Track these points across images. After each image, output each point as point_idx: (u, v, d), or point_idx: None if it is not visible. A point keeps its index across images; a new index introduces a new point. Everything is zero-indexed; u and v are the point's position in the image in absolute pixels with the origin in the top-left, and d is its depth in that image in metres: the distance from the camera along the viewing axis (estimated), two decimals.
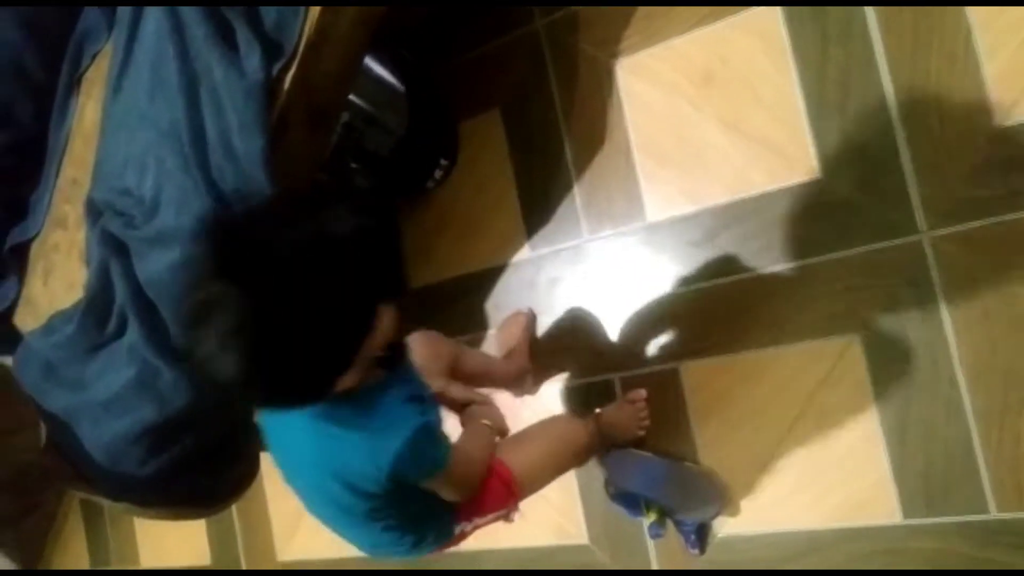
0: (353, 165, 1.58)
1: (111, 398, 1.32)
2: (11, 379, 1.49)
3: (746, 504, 1.40)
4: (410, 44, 1.66)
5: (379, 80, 1.60)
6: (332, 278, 0.83)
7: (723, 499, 1.41)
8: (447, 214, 1.69)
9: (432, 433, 1.04)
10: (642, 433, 1.48)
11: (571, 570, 1.60)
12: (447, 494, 1.14)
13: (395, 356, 0.99)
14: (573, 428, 1.39)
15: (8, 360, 1.53)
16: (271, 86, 1.18)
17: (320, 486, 1.06)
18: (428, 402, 1.07)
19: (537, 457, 1.29)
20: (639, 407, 1.48)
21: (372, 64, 1.58)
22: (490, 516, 1.23)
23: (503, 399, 1.49)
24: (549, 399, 1.59)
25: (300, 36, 1.18)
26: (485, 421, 1.26)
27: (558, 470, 1.34)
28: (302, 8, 1.18)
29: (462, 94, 1.68)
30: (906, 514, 1.28)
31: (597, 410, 1.48)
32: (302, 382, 0.87)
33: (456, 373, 1.34)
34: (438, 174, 1.66)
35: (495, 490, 1.22)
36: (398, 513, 1.11)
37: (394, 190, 1.69)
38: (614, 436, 1.46)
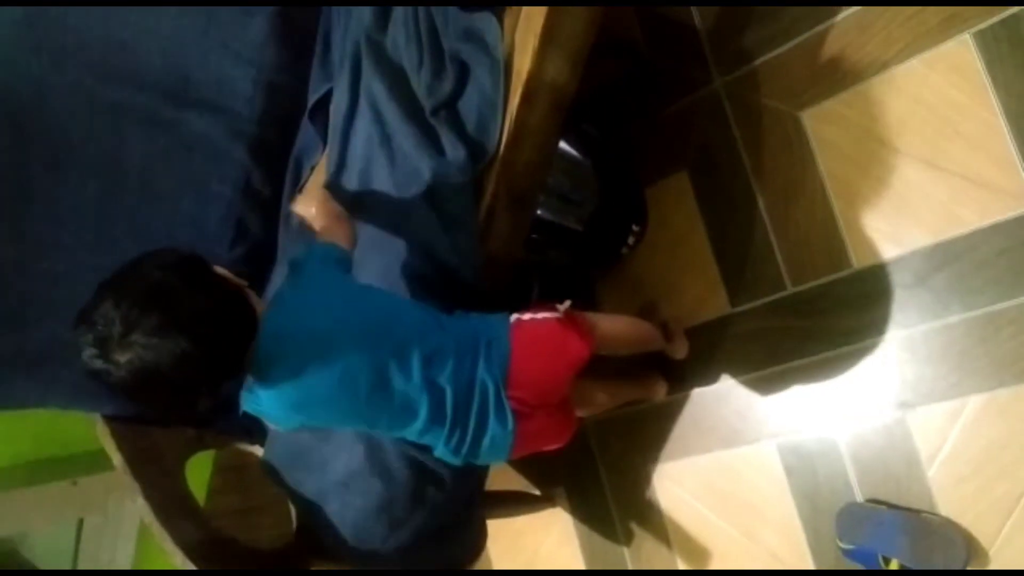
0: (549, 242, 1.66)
1: (349, 476, 1.44)
2: (259, 464, 1.67)
3: (996, 553, 1.33)
4: (590, 118, 1.74)
5: (566, 158, 1.67)
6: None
7: (968, 549, 1.34)
8: (643, 278, 1.73)
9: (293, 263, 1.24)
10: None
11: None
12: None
13: None
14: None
15: (257, 449, 1.71)
16: (477, 181, 1.29)
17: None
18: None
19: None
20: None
21: (560, 144, 1.66)
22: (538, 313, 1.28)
23: None
24: (764, 466, 1.59)
25: (500, 134, 1.28)
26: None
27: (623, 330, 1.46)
28: (500, 106, 1.28)
29: (647, 159, 1.73)
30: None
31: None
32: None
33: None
34: (631, 240, 1.71)
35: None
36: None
37: (591, 262, 1.75)
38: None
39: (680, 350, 1.64)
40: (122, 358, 1.00)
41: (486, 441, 1.21)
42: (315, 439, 1.51)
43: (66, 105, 1.59)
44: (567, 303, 1.30)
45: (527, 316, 1.26)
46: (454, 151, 1.30)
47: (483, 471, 1.47)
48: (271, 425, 1.44)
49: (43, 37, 1.57)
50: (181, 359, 1.00)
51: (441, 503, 1.43)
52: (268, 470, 1.59)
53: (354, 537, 1.46)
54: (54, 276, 1.63)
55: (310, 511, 1.51)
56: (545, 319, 1.26)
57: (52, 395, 1.68)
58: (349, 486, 1.45)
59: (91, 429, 1.77)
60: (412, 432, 1.21)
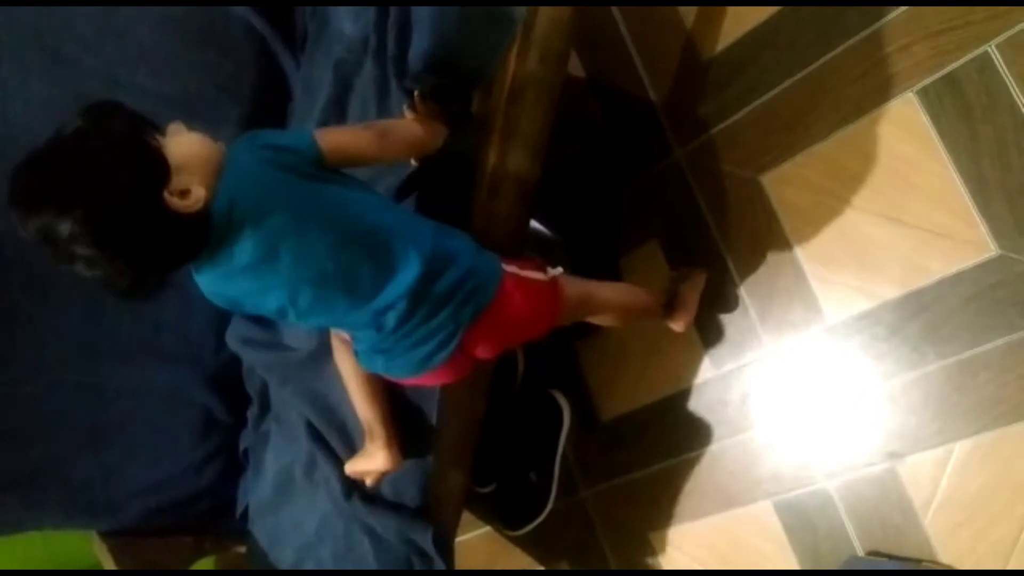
0: None
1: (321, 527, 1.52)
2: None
3: None
4: (557, 195, 1.77)
5: (536, 236, 1.71)
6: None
7: None
8: (624, 347, 1.75)
9: (255, 132, 1.14)
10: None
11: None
12: (364, 142, 1.17)
13: None
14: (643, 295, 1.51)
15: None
16: None
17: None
18: None
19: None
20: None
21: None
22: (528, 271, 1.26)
23: None
24: (763, 526, 1.59)
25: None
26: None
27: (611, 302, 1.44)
28: None
29: (617, 232, 1.76)
30: None
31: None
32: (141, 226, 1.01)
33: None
34: None
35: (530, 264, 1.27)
36: None
37: (570, 335, 1.77)
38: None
39: (681, 323, 1.53)
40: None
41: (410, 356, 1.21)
42: (287, 505, 1.59)
43: None
44: (559, 269, 1.29)
45: (518, 270, 1.24)
46: None
47: None
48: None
49: (18, 158, 1.60)
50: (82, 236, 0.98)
51: None
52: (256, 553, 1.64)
53: None
54: (39, 398, 1.64)
55: None
56: (534, 281, 1.25)
57: (47, 516, 1.68)
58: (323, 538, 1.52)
59: (87, 545, 1.77)
60: (349, 325, 1.22)
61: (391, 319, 1.15)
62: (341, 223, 1.12)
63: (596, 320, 1.46)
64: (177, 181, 1.03)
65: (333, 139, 1.15)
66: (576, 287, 1.33)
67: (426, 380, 1.25)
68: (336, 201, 1.13)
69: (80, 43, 1.53)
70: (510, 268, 1.23)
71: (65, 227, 0.96)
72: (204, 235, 1.06)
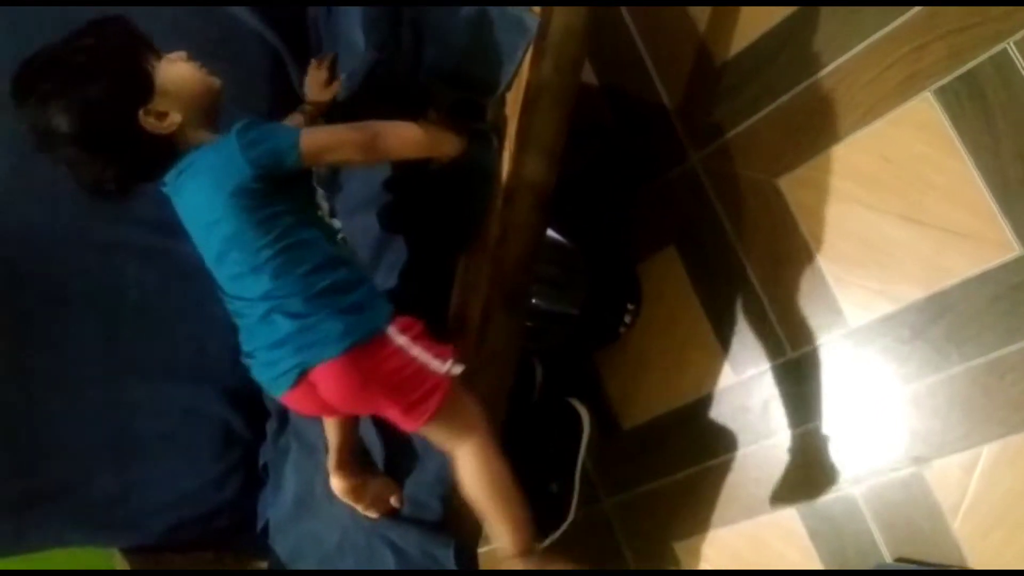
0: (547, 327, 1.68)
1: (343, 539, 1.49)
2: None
3: None
4: (572, 202, 1.76)
5: (553, 245, 1.70)
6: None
7: None
8: (644, 354, 1.74)
9: (251, 121, 1.09)
10: None
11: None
12: (350, 151, 1.15)
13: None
14: None
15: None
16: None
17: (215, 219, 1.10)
18: None
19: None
20: None
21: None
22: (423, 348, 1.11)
23: None
24: (788, 532, 1.57)
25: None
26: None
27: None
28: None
29: (633, 238, 1.75)
30: None
31: None
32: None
33: None
34: (627, 319, 1.72)
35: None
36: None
37: (590, 344, 1.76)
38: None
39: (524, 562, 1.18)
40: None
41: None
42: (307, 519, 1.56)
43: (61, 246, 1.63)
44: (459, 368, 1.11)
45: (409, 344, 1.10)
46: None
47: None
48: None
49: (35, 183, 1.61)
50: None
51: None
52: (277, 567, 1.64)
53: None
54: (62, 414, 1.65)
55: None
56: (423, 366, 1.10)
57: (69, 533, 1.68)
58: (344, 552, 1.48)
59: (108, 562, 1.77)
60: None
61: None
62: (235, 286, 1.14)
63: (465, 485, 1.17)
64: (158, 102, 1.08)
65: (315, 140, 1.12)
66: (467, 407, 1.14)
67: (288, 402, 1.19)
68: (237, 272, 1.12)
69: None
70: (398, 339, 1.11)
71: (46, 120, 1.05)
72: (168, 160, 1.11)
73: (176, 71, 1.11)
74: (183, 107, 1.10)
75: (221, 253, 1.12)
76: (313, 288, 1.09)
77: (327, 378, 1.10)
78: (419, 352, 1.11)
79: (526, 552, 1.16)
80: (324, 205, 1.22)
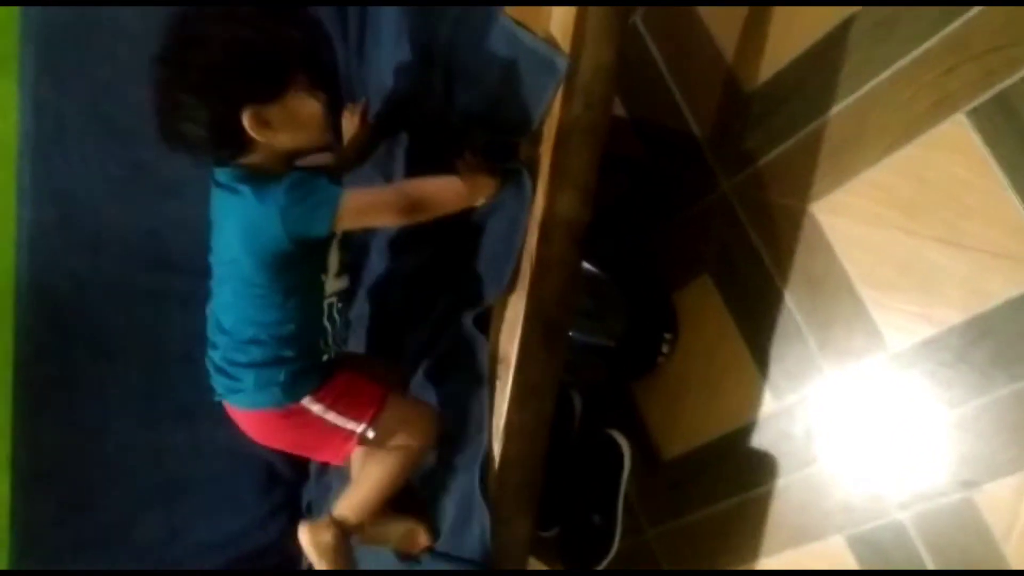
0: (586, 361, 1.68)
1: None
2: None
3: None
4: (605, 234, 1.77)
5: (587, 277, 1.71)
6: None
7: None
8: (683, 384, 1.74)
9: (304, 178, 1.13)
10: None
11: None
12: (389, 218, 1.21)
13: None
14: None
15: None
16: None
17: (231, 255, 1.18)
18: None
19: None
20: None
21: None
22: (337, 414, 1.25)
23: None
24: (836, 561, 1.55)
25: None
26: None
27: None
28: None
29: (668, 268, 1.76)
30: None
31: None
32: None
33: None
34: (665, 348, 1.72)
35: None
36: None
37: (627, 375, 1.76)
38: None
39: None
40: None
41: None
42: None
43: (105, 296, 1.67)
44: (372, 433, 1.26)
45: (323, 409, 1.24)
46: None
47: None
48: None
49: (78, 234, 1.65)
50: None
51: None
52: None
53: None
54: (106, 459, 1.68)
55: None
56: (337, 427, 1.25)
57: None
58: None
59: None
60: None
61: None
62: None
63: (365, 463, 1.35)
64: (272, 112, 1.10)
65: (357, 201, 1.16)
66: (396, 433, 1.29)
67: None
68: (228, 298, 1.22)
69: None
70: (313, 407, 1.24)
71: (188, 46, 1.08)
72: (235, 156, 1.14)
73: (309, 106, 1.14)
74: (284, 133, 1.12)
75: (222, 276, 1.23)
76: (258, 348, 1.20)
77: (239, 419, 1.28)
78: (333, 416, 1.25)
79: (340, 525, 1.28)
80: (334, 262, 1.25)
